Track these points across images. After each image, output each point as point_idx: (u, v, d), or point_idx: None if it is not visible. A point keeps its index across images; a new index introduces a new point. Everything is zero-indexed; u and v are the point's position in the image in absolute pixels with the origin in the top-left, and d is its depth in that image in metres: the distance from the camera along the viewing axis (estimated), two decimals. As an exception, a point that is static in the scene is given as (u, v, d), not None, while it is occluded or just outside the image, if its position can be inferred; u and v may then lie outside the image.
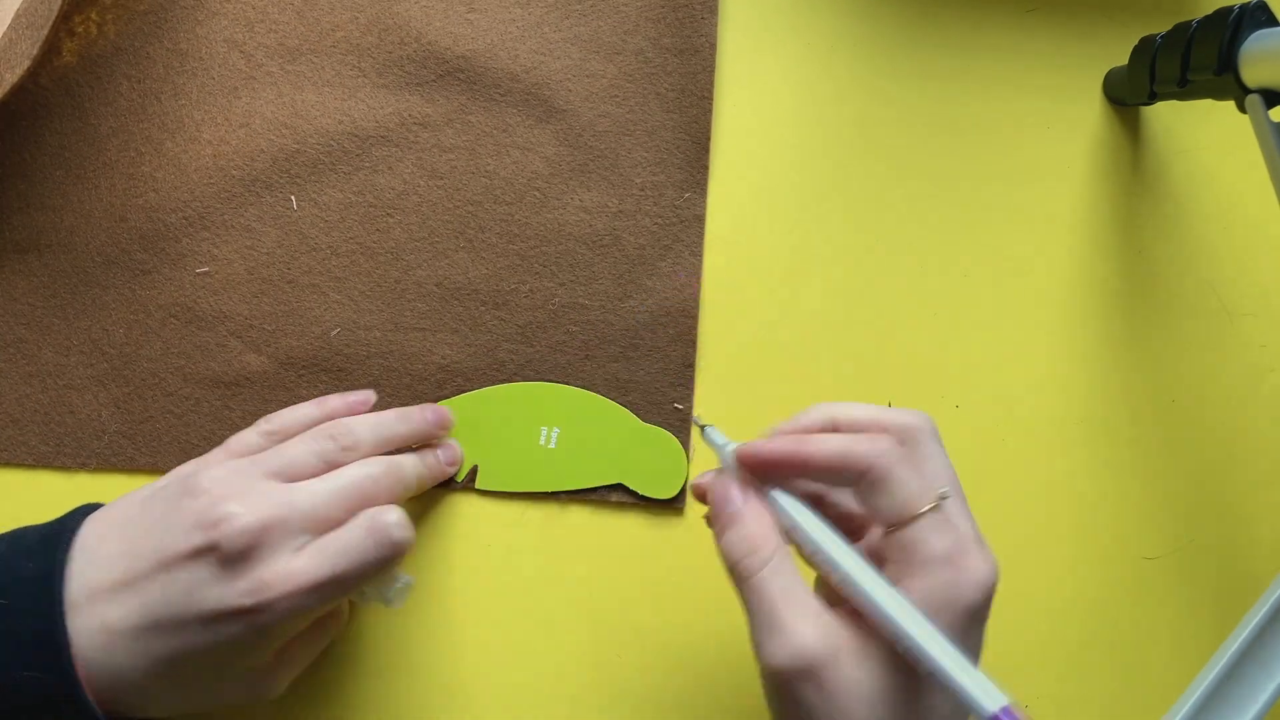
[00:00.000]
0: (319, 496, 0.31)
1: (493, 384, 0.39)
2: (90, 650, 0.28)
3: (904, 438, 0.29)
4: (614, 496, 0.39)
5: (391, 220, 0.40)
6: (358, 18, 0.42)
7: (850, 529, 0.30)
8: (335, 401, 0.36)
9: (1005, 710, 0.25)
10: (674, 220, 0.41)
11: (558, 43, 0.42)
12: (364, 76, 0.41)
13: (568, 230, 0.41)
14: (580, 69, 0.42)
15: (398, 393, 0.39)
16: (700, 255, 0.41)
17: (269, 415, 0.35)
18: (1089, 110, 0.44)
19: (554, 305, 0.40)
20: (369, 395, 0.37)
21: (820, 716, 0.26)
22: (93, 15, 0.41)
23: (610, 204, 0.41)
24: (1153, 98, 0.41)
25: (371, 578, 0.31)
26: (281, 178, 0.40)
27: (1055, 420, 0.41)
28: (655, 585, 0.38)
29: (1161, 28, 0.40)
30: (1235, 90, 0.36)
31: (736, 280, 0.42)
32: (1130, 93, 0.42)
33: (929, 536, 0.27)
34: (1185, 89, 0.38)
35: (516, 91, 0.42)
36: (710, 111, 0.42)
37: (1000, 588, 0.40)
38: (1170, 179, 0.44)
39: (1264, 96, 0.35)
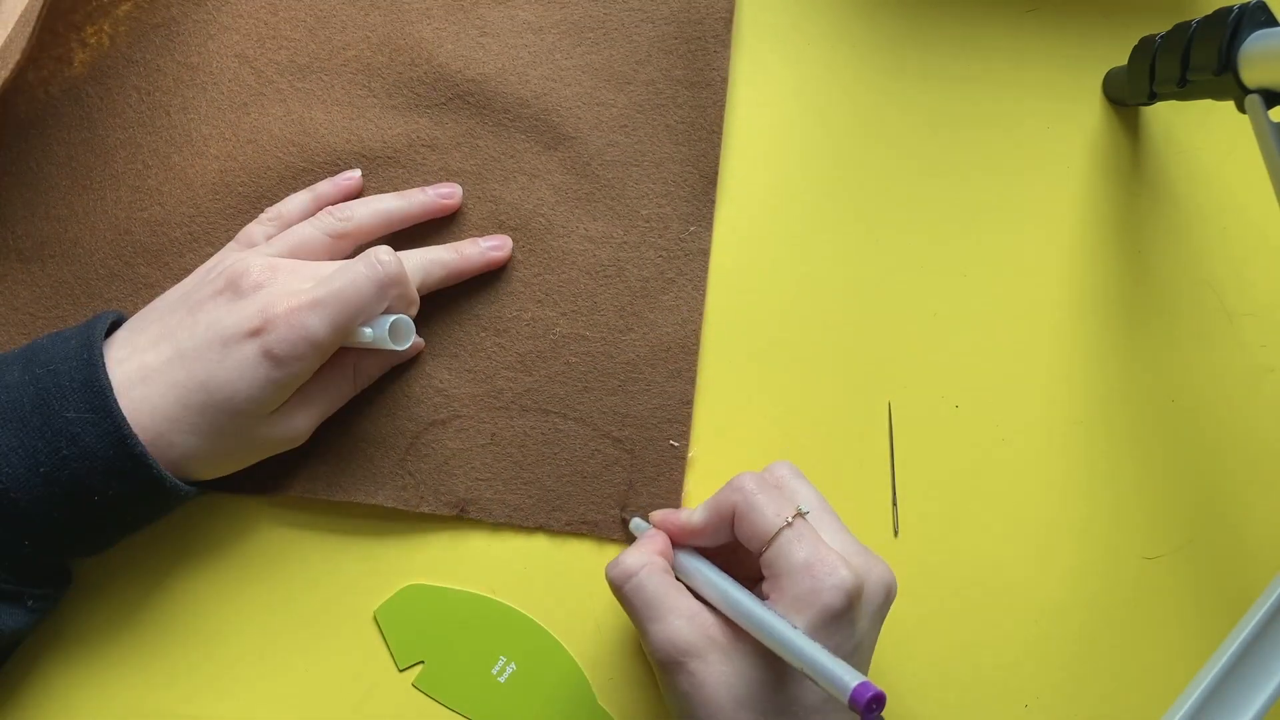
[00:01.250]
0: (325, 269, 0.35)
1: (489, 411, 0.39)
2: (128, 387, 0.32)
3: (764, 478, 0.33)
4: None
5: (395, 241, 0.40)
6: (369, 37, 0.42)
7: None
8: (325, 186, 0.39)
9: (863, 684, 0.27)
10: (678, 253, 0.41)
11: (569, 70, 0.42)
12: (373, 96, 0.41)
13: (571, 259, 0.41)
14: (591, 97, 0.42)
15: (392, 415, 0.39)
16: (703, 290, 0.41)
17: (268, 208, 0.38)
18: (1089, 110, 0.44)
19: (555, 335, 0.40)
20: (355, 173, 0.40)
21: (694, 703, 0.30)
22: (105, 27, 0.41)
23: (615, 234, 0.41)
24: (1152, 98, 0.41)
25: (368, 308, 0.34)
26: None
27: (1055, 420, 0.41)
28: None
29: (1161, 28, 0.40)
30: (1235, 90, 0.36)
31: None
32: (1130, 93, 0.42)
33: (789, 549, 0.31)
34: (1185, 89, 0.38)
35: (526, 117, 0.41)
36: (719, 146, 0.42)
37: (1000, 588, 0.40)
38: (1170, 179, 0.44)
39: (1264, 96, 0.35)
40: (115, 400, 0.32)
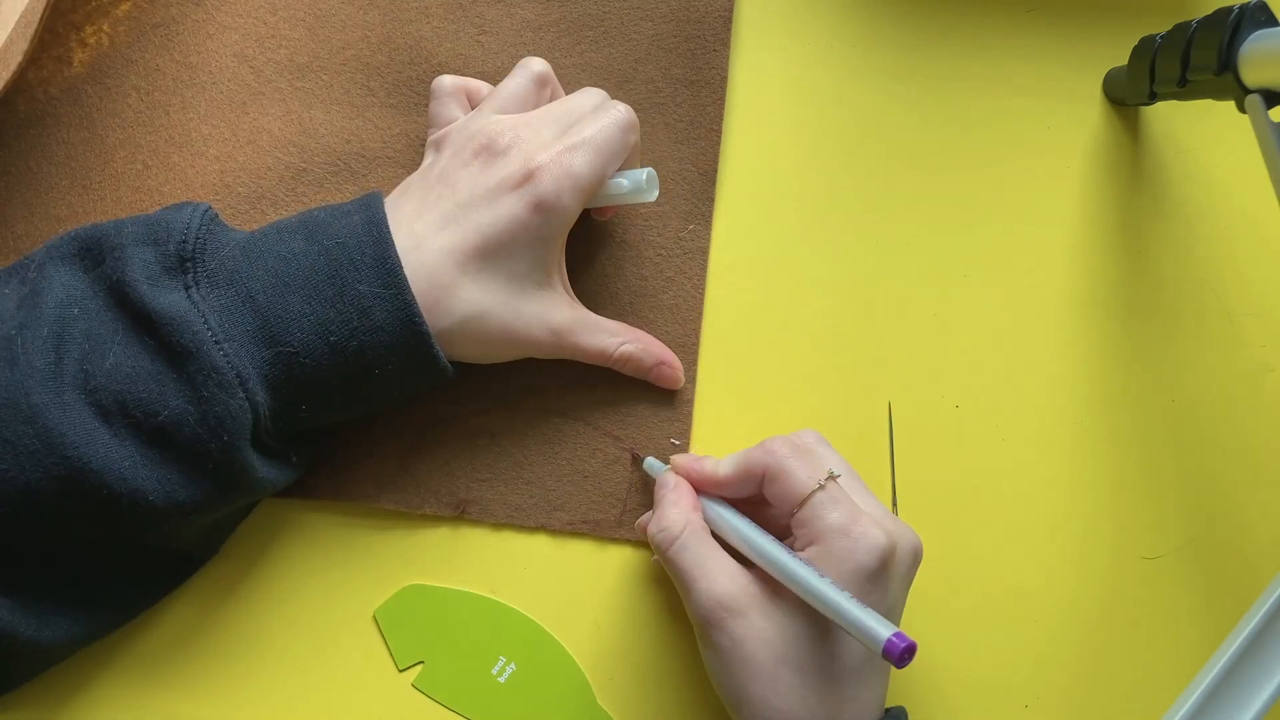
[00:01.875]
0: (564, 117, 0.36)
1: (491, 403, 0.39)
2: (402, 255, 0.33)
3: (794, 443, 0.34)
4: None
5: None
6: (368, 36, 0.42)
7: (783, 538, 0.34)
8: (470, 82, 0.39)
9: (898, 635, 0.28)
10: (677, 252, 0.41)
11: (568, 69, 0.42)
12: (373, 96, 0.41)
13: (569, 258, 0.40)
14: None
15: (392, 416, 0.38)
16: (703, 289, 0.41)
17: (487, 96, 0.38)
18: (1089, 110, 0.44)
19: None
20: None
21: (734, 660, 0.31)
22: (104, 27, 0.41)
23: (614, 233, 0.41)
24: (1152, 98, 0.41)
25: (618, 153, 0.36)
26: (287, 195, 0.40)
27: (1055, 420, 0.41)
28: None
29: (1161, 28, 0.40)
30: (1235, 90, 0.36)
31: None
32: (1130, 93, 0.42)
33: (823, 512, 0.32)
34: (1185, 89, 0.38)
35: None
36: (718, 144, 0.42)
37: (1000, 588, 0.40)
38: (1170, 179, 0.44)
39: (1264, 96, 0.35)
40: (406, 278, 0.32)
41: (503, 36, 0.42)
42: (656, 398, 0.40)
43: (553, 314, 0.36)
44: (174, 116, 0.41)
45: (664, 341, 0.40)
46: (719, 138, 0.42)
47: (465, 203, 0.34)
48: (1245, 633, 0.32)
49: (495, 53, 0.42)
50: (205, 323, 0.31)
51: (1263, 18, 0.35)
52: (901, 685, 0.39)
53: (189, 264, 0.32)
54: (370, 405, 0.35)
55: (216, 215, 0.34)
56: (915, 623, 0.39)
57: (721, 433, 0.40)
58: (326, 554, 0.38)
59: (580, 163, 0.34)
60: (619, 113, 0.36)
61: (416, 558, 0.38)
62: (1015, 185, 0.43)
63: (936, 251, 0.43)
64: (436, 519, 0.38)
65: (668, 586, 0.38)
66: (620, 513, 0.39)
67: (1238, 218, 0.44)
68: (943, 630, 0.39)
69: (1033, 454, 0.41)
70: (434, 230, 0.34)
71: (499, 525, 0.39)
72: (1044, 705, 0.39)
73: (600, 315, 0.39)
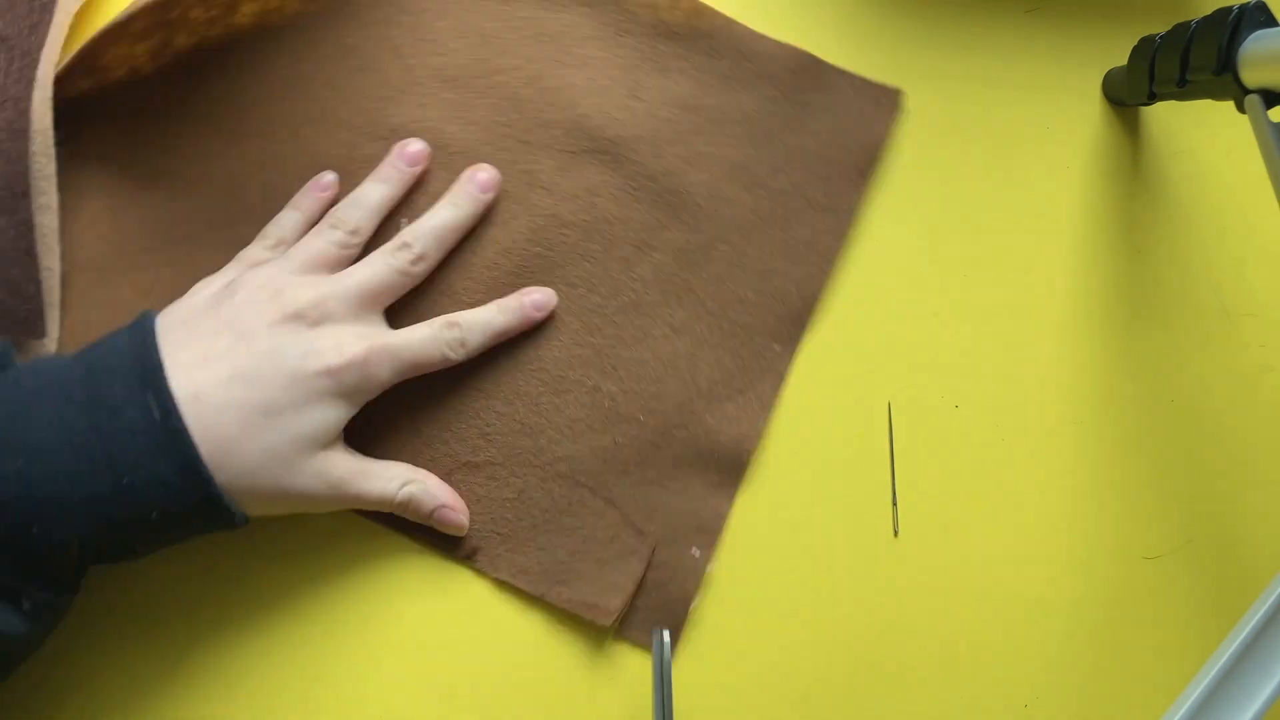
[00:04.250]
0: (356, 275, 0.36)
1: (524, 467, 0.38)
2: (183, 403, 0.31)
3: None
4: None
5: (485, 272, 0.39)
6: (523, 68, 0.41)
7: None
8: (306, 201, 0.38)
9: None
10: (755, 368, 0.40)
11: (705, 156, 0.41)
12: (508, 127, 0.40)
13: (648, 341, 0.40)
14: (719, 190, 0.41)
15: (430, 445, 0.38)
16: (769, 411, 0.40)
17: (262, 231, 0.38)
18: (1088, 110, 0.44)
19: (610, 410, 0.39)
20: (329, 176, 0.39)
21: None
22: None
23: (698, 329, 0.40)
24: (1152, 98, 0.41)
25: (431, 367, 0.36)
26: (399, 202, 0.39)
27: (1055, 420, 0.41)
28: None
29: (1161, 28, 0.40)
30: (1234, 90, 0.36)
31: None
32: (1129, 93, 0.42)
33: None
34: (1184, 89, 0.38)
35: (649, 190, 0.41)
36: (828, 274, 0.41)
37: (1000, 588, 0.40)
38: (1169, 179, 0.44)
39: (1263, 96, 0.35)
40: (166, 379, 0.31)
41: (651, 106, 0.41)
42: (692, 497, 0.39)
43: (333, 469, 0.34)
44: (316, 91, 0.40)
45: (716, 453, 0.39)
46: (830, 269, 0.41)
47: (267, 370, 0.32)
48: (1245, 633, 0.32)
49: (640, 119, 0.41)
50: None
51: (1262, 18, 0.35)
52: (902, 685, 0.39)
53: None
54: (124, 534, 0.31)
55: (6, 353, 0.33)
56: (915, 622, 0.39)
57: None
58: (332, 560, 0.38)
59: (387, 371, 0.35)
60: (452, 339, 0.37)
61: (412, 582, 0.38)
62: (1015, 185, 0.43)
63: (937, 251, 0.43)
64: (443, 555, 0.38)
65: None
66: (623, 606, 0.37)
67: (1237, 218, 0.44)
68: (943, 630, 0.39)
69: (1033, 454, 0.41)
70: (222, 386, 0.31)
71: (500, 583, 0.38)
72: (1044, 705, 0.39)
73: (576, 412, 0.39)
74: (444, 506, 0.37)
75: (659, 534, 0.38)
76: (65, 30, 0.38)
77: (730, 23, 0.42)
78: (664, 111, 0.41)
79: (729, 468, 0.39)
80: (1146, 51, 0.40)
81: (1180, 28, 0.38)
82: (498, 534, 0.38)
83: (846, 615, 0.39)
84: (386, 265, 0.36)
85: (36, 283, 0.37)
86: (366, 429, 0.37)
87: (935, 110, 0.44)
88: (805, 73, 0.42)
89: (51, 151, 0.37)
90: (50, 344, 0.37)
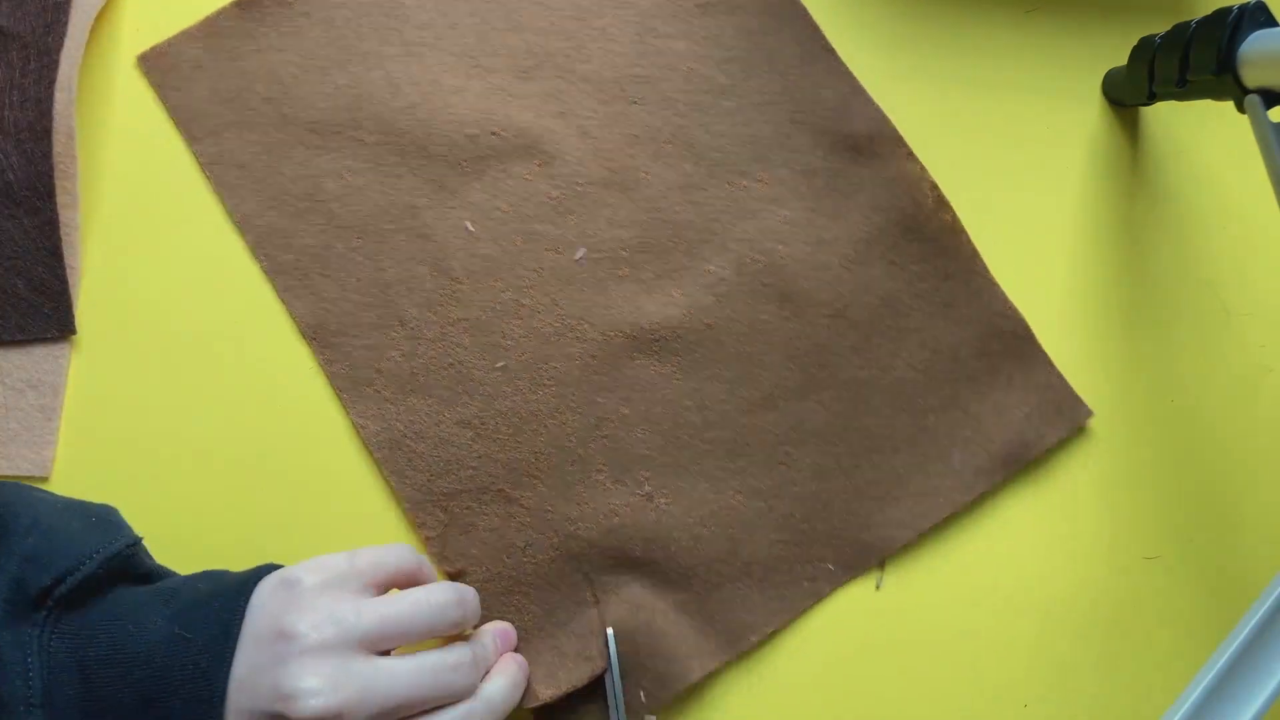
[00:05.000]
0: (399, 678, 0.31)
1: (543, 526, 0.38)
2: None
3: None
4: None
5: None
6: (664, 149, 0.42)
7: None
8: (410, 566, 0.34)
9: None
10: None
11: (883, 356, 0.41)
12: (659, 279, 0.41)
13: (723, 495, 0.39)
14: (873, 404, 0.40)
15: (483, 459, 0.38)
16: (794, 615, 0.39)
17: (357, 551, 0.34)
18: (1088, 111, 0.44)
19: (654, 522, 0.39)
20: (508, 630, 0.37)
21: None
22: None
23: (773, 506, 0.39)
24: (1152, 98, 0.41)
25: None
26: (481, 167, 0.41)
27: (1055, 420, 0.41)
28: None
29: (1161, 28, 0.40)
30: (1234, 90, 0.36)
31: None
32: (1129, 93, 0.42)
33: None
34: (1184, 89, 0.38)
35: (820, 365, 0.41)
36: (920, 532, 0.39)
37: (1000, 587, 0.40)
38: (1169, 179, 0.44)
39: (1263, 96, 0.35)
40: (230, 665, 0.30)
41: (858, 280, 0.41)
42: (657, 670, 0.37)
43: None
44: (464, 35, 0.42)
45: (713, 624, 0.38)
46: (925, 528, 0.40)
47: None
48: (1245, 633, 0.32)
49: (835, 275, 0.41)
50: (27, 682, 0.29)
51: (1262, 18, 0.35)
52: (901, 685, 0.39)
53: (53, 605, 0.30)
54: None
55: (133, 552, 0.33)
56: (916, 621, 0.39)
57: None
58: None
59: None
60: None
61: None
62: (1015, 185, 0.43)
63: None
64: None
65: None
66: (551, 700, 0.36)
67: (1237, 218, 0.44)
68: (943, 630, 0.39)
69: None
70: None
71: None
72: (1044, 705, 0.39)
73: None
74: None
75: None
76: (88, 31, 0.39)
77: (976, 256, 0.42)
78: (866, 297, 0.41)
79: (726, 645, 0.38)
80: (1146, 52, 0.40)
81: (1180, 28, 0.38)
82: (486, 571, 0.38)
83: (845, 613, 0.39)
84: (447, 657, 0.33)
85: (63, 281, 0.37)
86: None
87: (934, 111, 0.44)
88: (1016, 340, 0.41)
89: (75, 152, 0.38)
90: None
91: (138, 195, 0.40)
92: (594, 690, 0.37)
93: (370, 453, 0.39)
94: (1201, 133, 0.44)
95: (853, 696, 0.38)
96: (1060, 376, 0.41)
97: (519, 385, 0.39)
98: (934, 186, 0.42)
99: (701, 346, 0.40)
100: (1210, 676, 0.31)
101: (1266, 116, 0.35)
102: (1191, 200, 0.44)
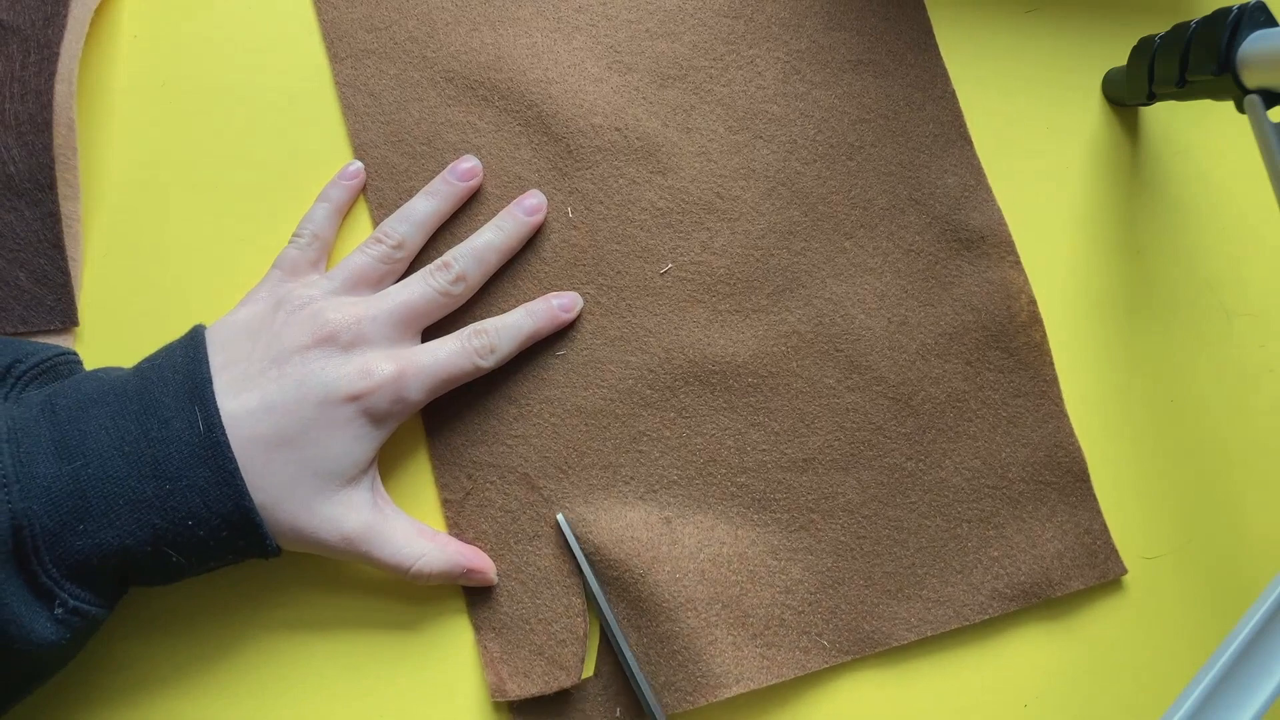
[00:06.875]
0: (394, 296, 0.36)
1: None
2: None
3: None
4: None
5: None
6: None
7: None
8: (334, 191, 0.39)
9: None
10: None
11: (941, 454, 0.40)
12: (707, 302, 0.40)
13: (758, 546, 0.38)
14: (906, 500, 0.40)
15: (511, 444, 0.38)
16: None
17: (295, 230, 0.38)
18: (1088, 111, 0.44)
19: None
20: (355, 165, 0.40)
21: None
22: None
23: (813, 545, 0.39)
24: (1151, 98, 0.41)
25: (463, 380, 0.36)
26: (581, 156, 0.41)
27: (1055, 420, 0.41)
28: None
29: (1161, 28, 0.40)
30: (1234, 90, 0.36)
31: None
32: (1129, 93, 0.42)
33: None
34: (1184, 89, 0.38)
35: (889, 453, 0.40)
36: (940, 630, 0.39)
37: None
38: (1169, 179, 0.44)
39: (1263, 97, 0.35)
40: (214, 395, 0.32)
41: (922, 368, 0.40)
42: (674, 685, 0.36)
43: (349, 518, 0.33)
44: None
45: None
46: (942, 630, 0.39)
47: (293, 399, 0.32)
48: (1245, 633, 0.31)
49: (897, 363, 0.40)
50: None
51: (1262, 18, 0.35)
52: (901, 684, 0.39)
53: (14, 381, 0.32)
54: (165, 545, 0.31)
55: (78, 362, 0.35)
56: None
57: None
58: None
59: (417, 389, 0.35)
60: (481, 346, 0.36)
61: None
62: (1015, 185, 0.43)
63: (936, 251, 0.42)
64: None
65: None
66: (517, 698, 0.36)
67: (1237, 218, 0.44)
68: (942, 629, 0.39)
69: (1032, 454, 0.41)
70: (250, 416, 0.32)
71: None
72: (1044, 705, 0.39)
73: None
74: (471, 572, 0.36)
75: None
76: (87, 24, 0.39)
77: (1054, 382, 0.41)
78: (933, 390, 0.40)
79: (704, 688, 0.36)
80: (1146, 52, 0.40)
81: (1180, 28, 0.38)
82: (490, 551, 0.38)
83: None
84: (425, 285, 0.36)
85: (65, 273, 0.38)
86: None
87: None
88: (1070, 478, 0.40)
89: (75, 144, 0.38)
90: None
91: (139, 186, 0.40)
92: (588, 688, 0.37)
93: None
94: (1201, 133, 0.44)
95: (852, 696, 0.38)
96: (1104, 525, 0.40)
97: (572, 378, 0.39)
98: (1031, 301, 0.41)
99: (758, 392, 0.40)
100: (1210, 676, 0.31)
101: (1266, 116, 0.35)
102: (1191, 200, 0.44)
